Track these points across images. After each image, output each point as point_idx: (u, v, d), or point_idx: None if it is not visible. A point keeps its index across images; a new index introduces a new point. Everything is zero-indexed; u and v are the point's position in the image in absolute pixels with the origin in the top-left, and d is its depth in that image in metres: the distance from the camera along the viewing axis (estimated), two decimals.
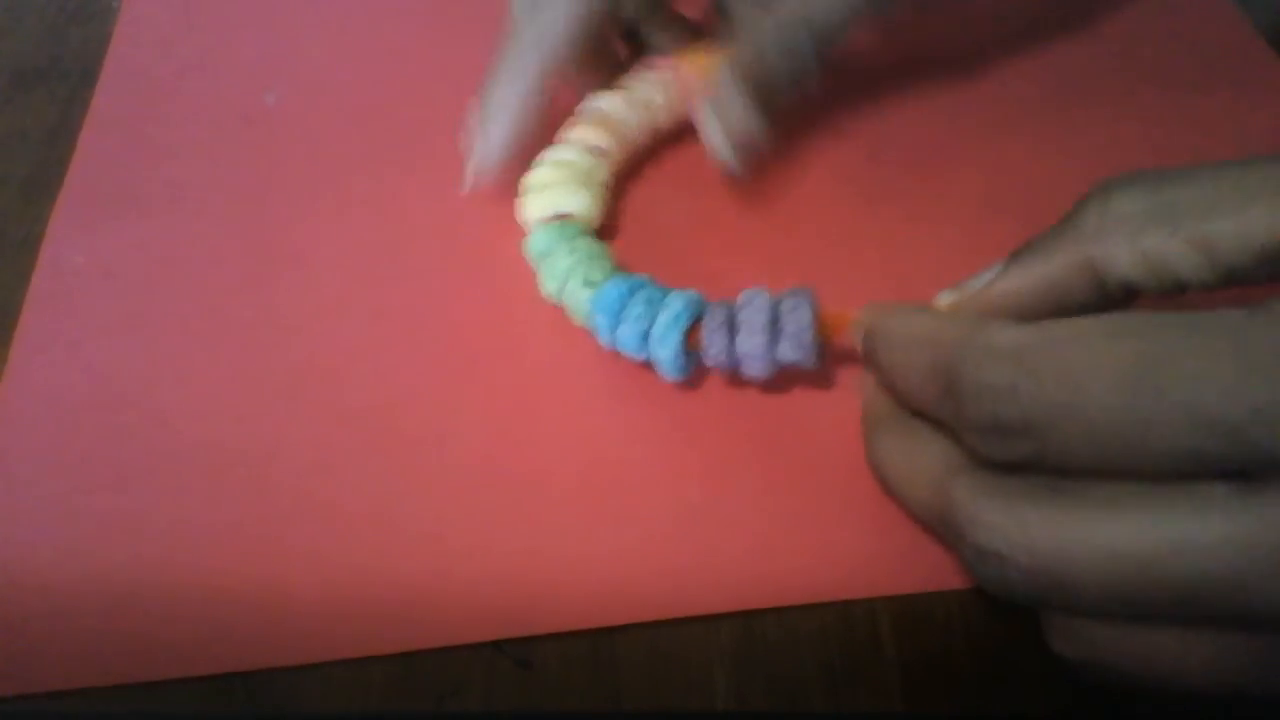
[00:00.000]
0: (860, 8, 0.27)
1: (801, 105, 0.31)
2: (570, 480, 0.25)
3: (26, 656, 0.22)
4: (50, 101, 0.34)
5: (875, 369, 0.21)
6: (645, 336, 0.25)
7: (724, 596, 0.23)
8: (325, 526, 0.24)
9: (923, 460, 0.20)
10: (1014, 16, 0.36)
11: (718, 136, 0.28)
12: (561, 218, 0.27)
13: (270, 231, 0.30)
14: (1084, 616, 0.17)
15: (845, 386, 0.26)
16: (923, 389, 0.19)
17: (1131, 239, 0.19)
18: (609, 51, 0.31)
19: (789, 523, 0.24)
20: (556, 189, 0.27)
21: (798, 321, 0.24)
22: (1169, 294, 0.20)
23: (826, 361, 0.26)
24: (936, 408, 0.19)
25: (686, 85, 0.29)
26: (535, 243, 0.27)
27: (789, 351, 0.24)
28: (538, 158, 0.28)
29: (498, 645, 0.22)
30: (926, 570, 0.23)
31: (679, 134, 0.31)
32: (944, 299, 0.23)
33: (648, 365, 0.25)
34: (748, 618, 0.23)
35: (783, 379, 0.26)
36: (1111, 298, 0.20)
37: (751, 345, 0.24)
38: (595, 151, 0.28)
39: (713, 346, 0.24)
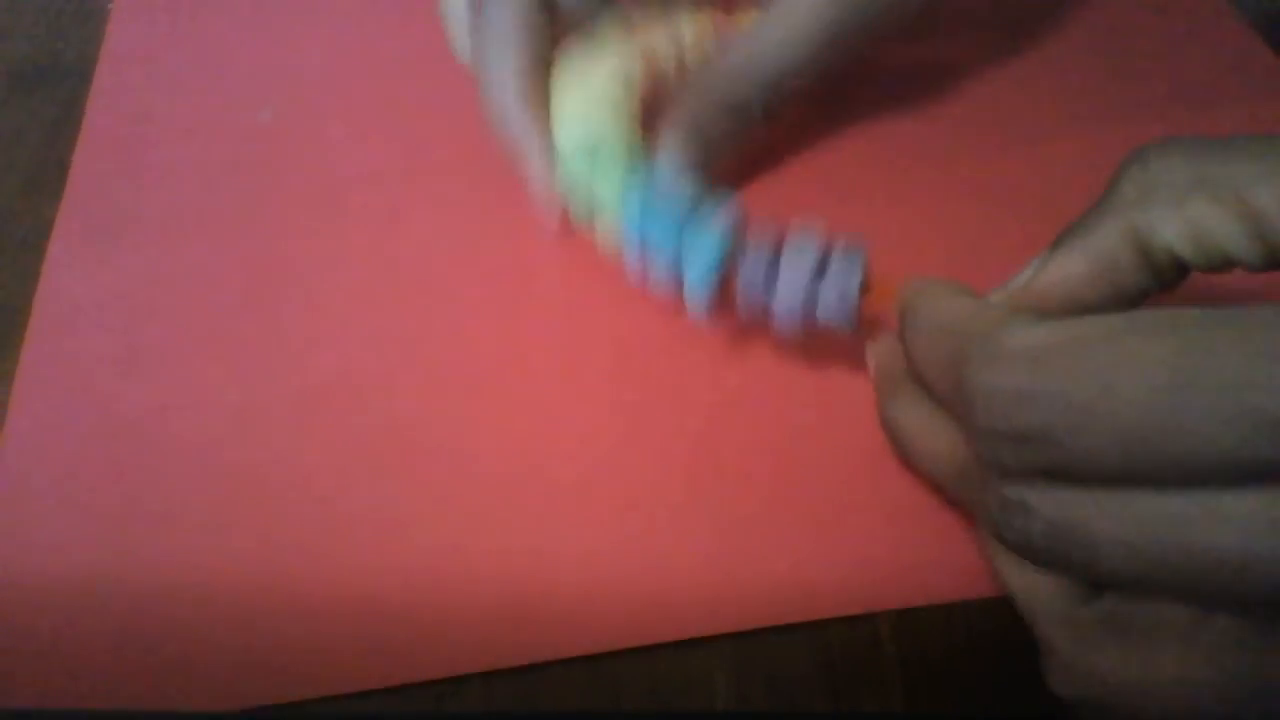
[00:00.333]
0: (815, 55, 0.26)
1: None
2: (579, 499, 0.25)
3: (31, 680, 0.22)
4: (50, 101, 0.34)
5: (906, 350, 0.20)
6: (680, 252, 0.23)
7: (734, 616, 0.23)
8: (336, 552, 0.24)
9: (943, 422, 0.19)
10: (1013, 16, 0.36)
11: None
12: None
13: (270, 251, 0.30)
14: (1100, 583, 0.17)
15: (847, 396, 0.26)
16: (938, 380, 0.18)
17: (1176, 207, 0.18)
18: None
19: (794, 535, 0.24)
20: (592, 115, 0.26)
21: (846, 281, 0.22)
22: (1216, 271, 0.19)
23: (857, 330, 0.24)
24: (951, 404, 0.18)
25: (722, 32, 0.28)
26: (569, 164, 0.26)
27: (830, 312, 0.22)
28: (568, 83, 0.27)
29: None
30: (933, 583, 0.23)
31: None
32: (995, 298, 0.21)
33: (666, 335, 0.24)
34: None
35: (781, 384, 0.26)
36: (1162, 275, 0.19)
37: (792, 295, 0.22)
38: (626, 80, 0.27)
39: (749, 291, 0.23)
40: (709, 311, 0.24)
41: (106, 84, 0.34)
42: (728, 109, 0.27)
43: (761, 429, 0.26)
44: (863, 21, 0.27)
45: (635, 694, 0.22)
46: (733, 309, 0.24)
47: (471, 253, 0.29)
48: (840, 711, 0.22)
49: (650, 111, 0.28)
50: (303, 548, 0.24)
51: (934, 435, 0.20)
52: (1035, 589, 0.18)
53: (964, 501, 0.19)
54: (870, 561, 0.23)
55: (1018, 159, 0.32)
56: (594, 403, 0.26)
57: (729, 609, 0.23)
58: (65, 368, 0.27)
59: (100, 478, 0.25)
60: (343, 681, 0.22)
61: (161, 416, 0.26)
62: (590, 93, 0.27)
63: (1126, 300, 0.19)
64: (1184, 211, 0.18)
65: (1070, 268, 0.20)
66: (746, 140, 0.27)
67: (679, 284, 0.24)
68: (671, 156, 0.26)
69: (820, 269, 0.22)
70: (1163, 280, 0.19)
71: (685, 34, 0.28)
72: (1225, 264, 0.19)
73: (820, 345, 0.27)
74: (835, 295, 0.22)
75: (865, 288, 0.22)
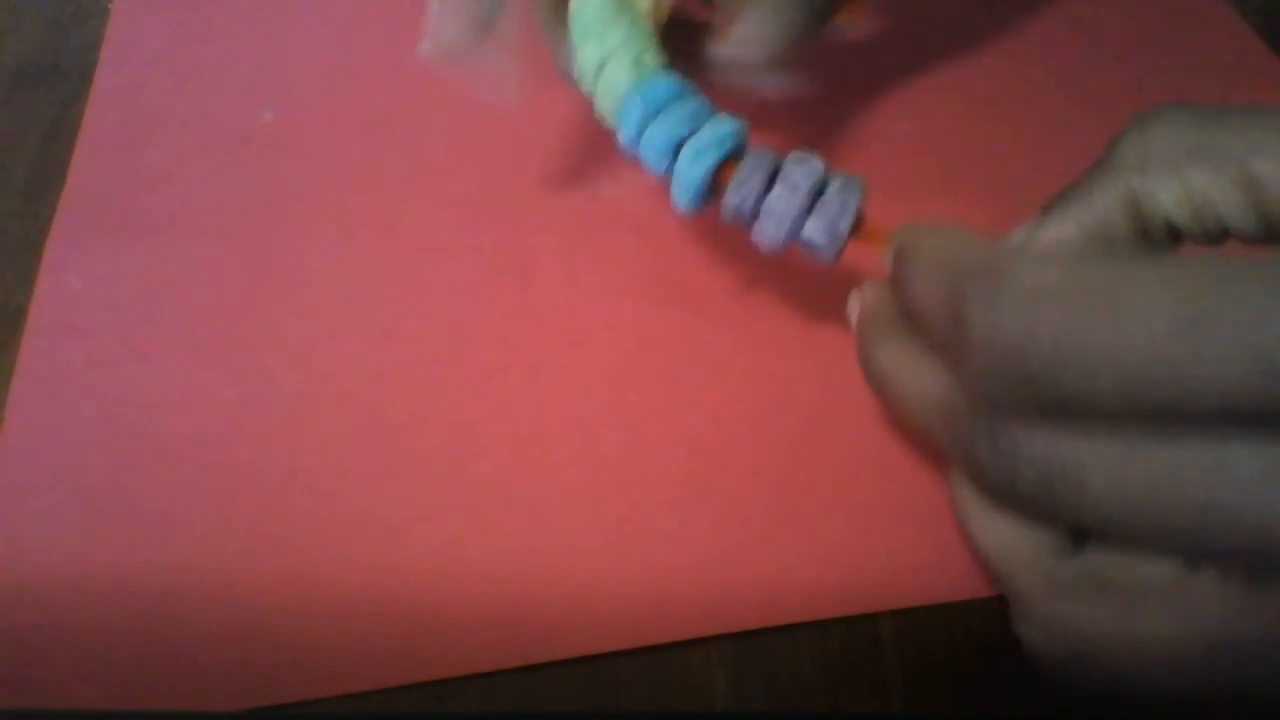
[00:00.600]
0: None
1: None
2: (579, 500, 0.25)
3: (31, 679, 0.22)
4: (50, 101, 0.34)
5: (899, 292, 0.19)
6: (676, 147, 0.22)
7: (734, 616, 0.23)
8: (336, 552, 0.24)
9: (931, 363, 0.19)
10: (1014, 17, 0.36)
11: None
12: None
13: (270, 251, 0.30)
14: (1095, 529, 0.16)
15: (847, 397, 0.26)
16: (935, 319, 0.17)
17: (1175, 173, 0.18)
18: None
19: (794, 535, 0.24)
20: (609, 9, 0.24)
21: (841, 204, 0.22)
22: (1211, 243, 0.18)
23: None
24: (947, 342, 0.17)
25: None
26: (585, 9, 0.23)
27: (817, 231, 0.22)
28: None
29: None
30: (932, 583, 0.23)
31: None
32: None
33: (655, 207, 0.23)
34: None
35: (781, 385, 0.26)
36: (1156, 243, 0.19)
37: (785, 205, 0.21)
38: None
39: (743, 188, 0.22)
40: (696, 210, 0.23)
41: (106, 84, 0.34)
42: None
43: (761, 429, 0.26)
44: None
45: (635, 694, 0.22)
46: (716, 211, 0.23)
47: (471, 253, 0.29)
48: (840, 712, 0.22)
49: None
50: (303, 548, 0.24)
51: (919, 379, 0.19)
52: (1010, 543, 0.18)
53: (948, 447, 0.19)
54: (870, 561, 0.23)
55: (1018, 158, 0.32)
56: (594, 403, 0.26)
57: (729, 609, 0.23)
58: (64, 367, 0.27)
59: (99, 477, 0.25)
60: (343, 681, 0.22)
61: (160, 416, 0.26)
62: None
63: None
64: (1183, 179, 0.18)
65: (1065, 231, 0.19)
66: (816, 35, 0.25)
67: (671, 178, 0.23)
68: (750, 36, 0.25)
69: (815, 194, 0.22)
70: (1156, 248, 0.19)
71: None
72: (1221, 234, 0.18)
73: (820, 345, 0.27)
74: (825, 222, 0.22)
75: (857, 224, 0.22)
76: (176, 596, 0.23)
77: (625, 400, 0.26)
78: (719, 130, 0.22)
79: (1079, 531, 0.17)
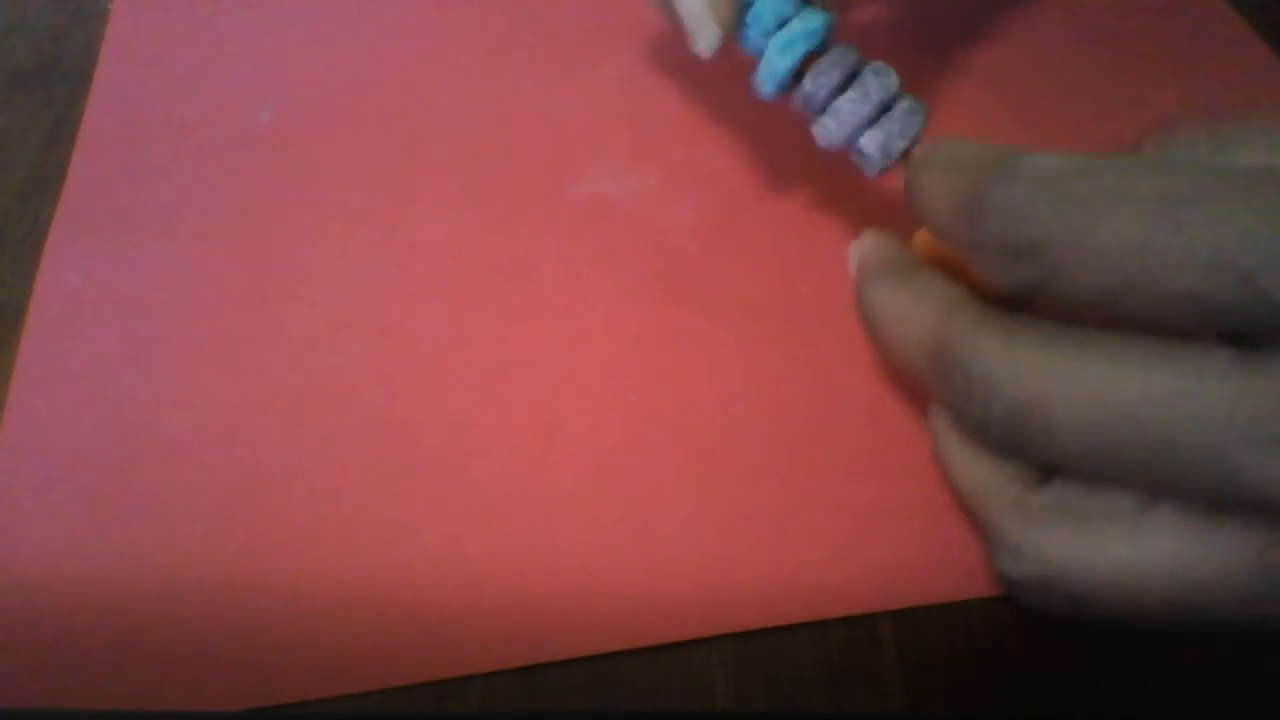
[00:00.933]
0: None
1: None
2: (579, 500, 0.25)
3: (31, 680, 0.22)
4: (50, 102, 0.34)
5: (914, 196, 0.20)
6: (779, 24, 0.23)
7: (734, 616, 0.23)
8: (336, 552, 0.24)
9: (922, 303, 0.20)
10: (1014, 17, 0.36)
11: None
12: None
13: (269, 251, 0.30)
14: (1064, 465, 0.17)
15: (848, 397, 0.26)
16: (951, 211, 0.19)
17: None
18: None
19: (794, 535, 0.24)
20: None
21: (903, 125, 0.23)
22: None
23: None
24: (959, 230, 0.18)
25: None
26: None
27: (872, 143, 0.23)
28: None
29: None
30: (932, 583, 0.23)
31: None
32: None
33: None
34: None
35: (782, 385, 0.26)
36: None
37: (851, 109, 0.23)
38: None
39: (819, 80, 0.23)
40: (776, 97, 0.24)
41: (106, 84, 0.34)
42: None
43: (761, 429, 0.26)
44: None
45: (635, 694, 0.22)
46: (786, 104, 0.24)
47: (471, 252, 0.29)
48: (840, 712, 0.22)
49: None
50: (303, 548, 0.24)
51: (909, 322, 0.20)
52: (986, 476, 0.19)
53: (931, 386, 0.20)
54: (870, 561, 0.23)
55: None
56: (594, 403, 0.26)
57: (729, 609, 0.23)
58: (64, 367, 0.27)
59: (98, 477, 0.25)
60: (343, 681, 0.22)
61: (160, 416, 0.26)
62: None
63: None
64: None
65: None
66: None
67: (751, 53, 0.24)
68: None
69: (883, 107, 0.23)
70: None
71: None
72: None
73: (821, 345, 0.27)
74: (883, 137, 0.23)
75: (910, 147, 0.23)
76: (176, 596, 0.23)
77: (625, 400, 0.26)
78: (809, 24, 0.23)
79: (1049, 467, 0.18)
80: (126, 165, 0.32)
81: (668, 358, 0.27)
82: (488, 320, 0.28)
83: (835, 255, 0.29)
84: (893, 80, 0.23)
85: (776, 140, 0.32)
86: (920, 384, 0.21)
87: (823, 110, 0.23)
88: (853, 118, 0.23)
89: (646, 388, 0.26)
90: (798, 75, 0.23)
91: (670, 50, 0.35)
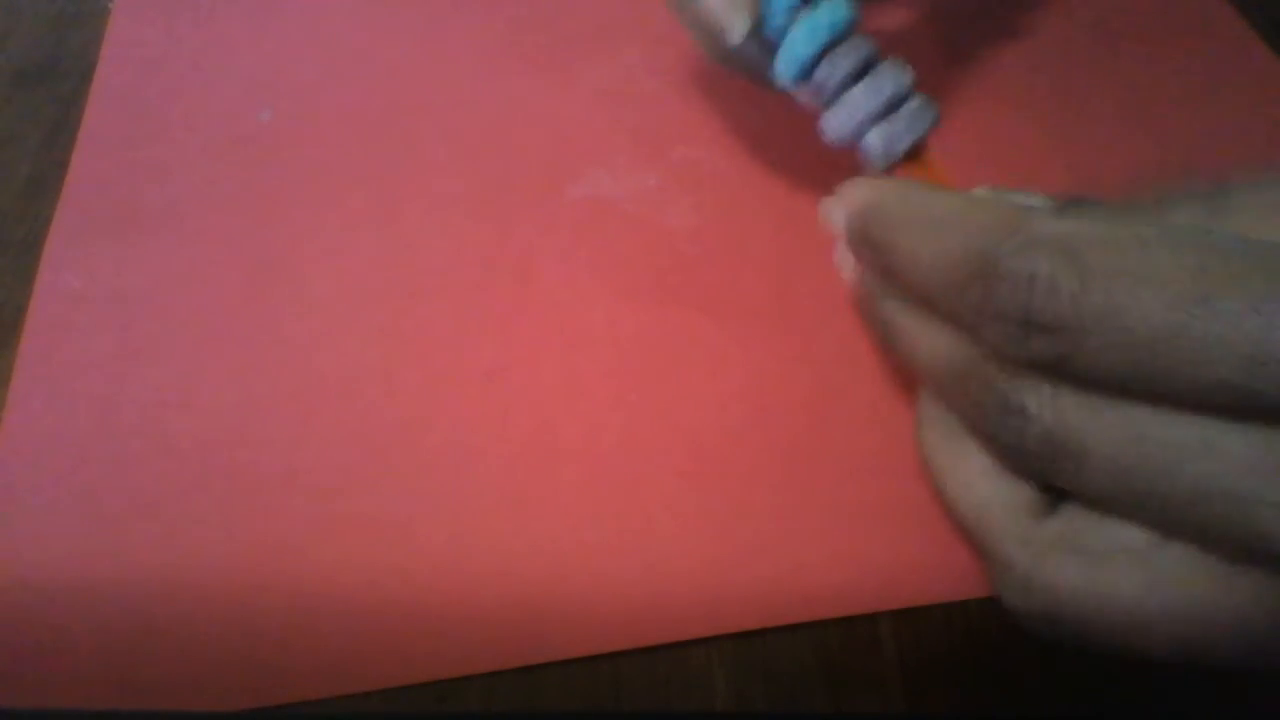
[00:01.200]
0: None
1: None
2: (579, 500, 0.25)
3: (31, 679, 0.22)
4: (50, 101, 0.34)
5: (870, 249, 0.20)
6: (791, 13, 0.23)
7: (734, 616, 0.23)
8: (336, 552, 0.24)
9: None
10: (1014, 16, 0.36)
11: None
12: None
13: (269, 251, 0.30)
14: (1086, 496, 0.17)
15: (848, 397, 0.26)
16: (944, 274, 0.18)
17: None
18: None
19: (794, 535, 0.24)
20: None
21: (909, 124, 0.22)
22: None
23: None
24: (957, 297, 0.17)
25: None
26: None
27: (876, 139, 0.22)
28: None
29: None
30: (932, 583, 0.23)
31: None
32: (980, 194, 0.21)
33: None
34: None
35: (781, 384, 0.26)
36: None
37: (860, 102, 0.22)
38: None
39: (833, 69, 0.23)
40: (796, 84, 0.23)
41: (106, 84, 0.34)
42: None
43: (761, 429, 0.26)
44: None
45: (635, 694, 0.22)
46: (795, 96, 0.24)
47: (470, 252, 0.29)
48: (840, 712, 0.22)
49: None
50: (303, 548, 0.24)
51: (931, 334, 0.19)
52: (990, 505, 0.18)
53: (959, 402, 0.19)
54: (870, 561, 0.23)
55: (1015, 154, 0.32)
56: (594, 402, 0.26)
57: (729, 609, 0.23)
58: (64, 367, 0.27)
59: (98, 477, 0.25)
60: (343, 681, 0.22)
61: (159, 416, 0.26)
62: None
63: None
64: None
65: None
66: None
67: (769, 39, 0.23)
68: None
69: (893, 104, 0.22)
70: None
71: None
72: None
73: (821, 345, 0.27)
74: (887, 135, 0.22)
75: (916, 150, 0.22)
76: (176, 596, 0.23)
77: (625, 400, 0.26)
78: (835, 12, 0.22)
79: (1059, 493, 0.18)
80: (126, 165, 0.32)
81: (667, 358, 0.27)
82: (488, 320, 0.28)
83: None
84: (906, 77, 0.23)
85: (776, 140, 0.32)
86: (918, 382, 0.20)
87: (833, 100, 0.23)
88: (861, 110, 0.22)
89: (646, 388, 0.26)
90: (815, 64, 0.23)
91: (670, 50, 0.35)
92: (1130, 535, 0.17)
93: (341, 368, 0.27)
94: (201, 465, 0.25)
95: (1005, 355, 0.17)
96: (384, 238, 0.30)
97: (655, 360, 0.27)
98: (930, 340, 0.19)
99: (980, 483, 0.19)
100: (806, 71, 0.23)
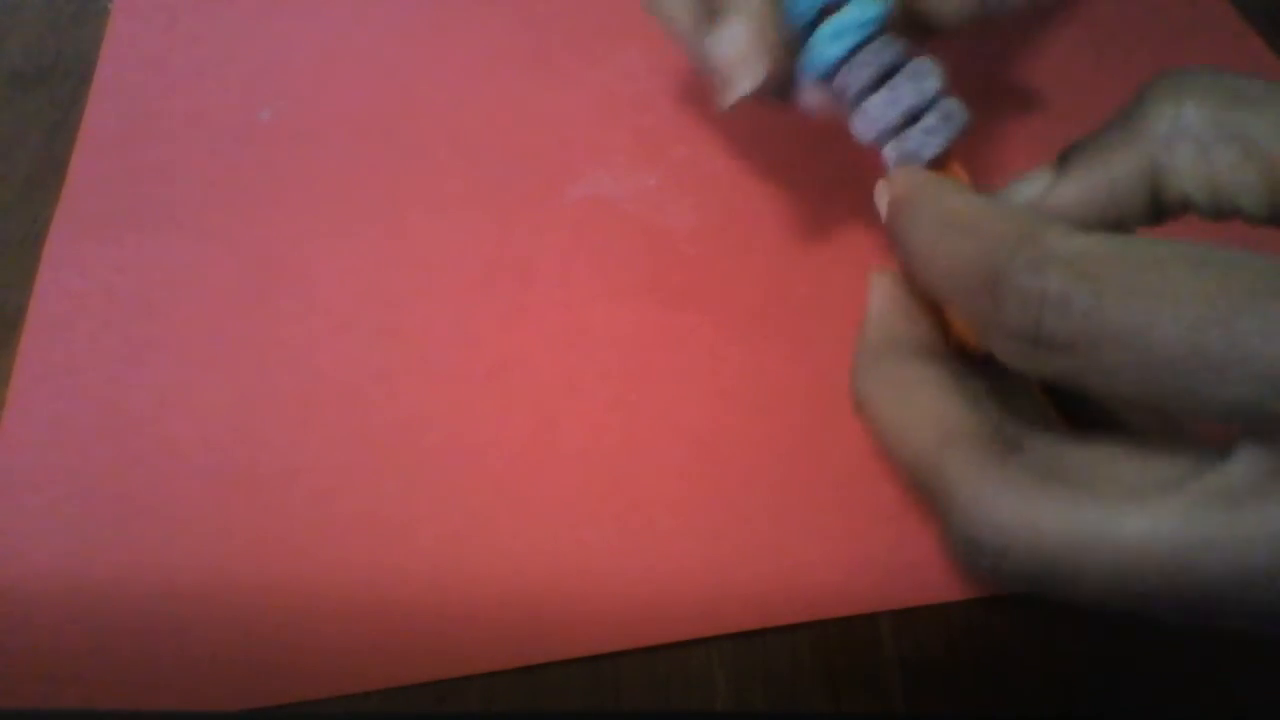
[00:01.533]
0: None
1: None
2: (579, 500, 0.25)
3: (31, 680, 0.22)
4: (50, 101, 0.34)
5: (900, 245, 0.19)
6: (819, 13, 0.22)
7: (734, 616, 0.23)
8: (336, 552, 0.24)
9: (917, 414, 0.18)
10: (1011, 16, 0.36)
11: None
12: None
13: (269, 251, 0.30)
14: (1078, 602, 0.16)
15: (847, 397, 0.26)
16: (957, 279, 0.17)
17: (1202, 153, 0.18)
18: None
19: (794, 535, 0.24)
20: None
21: (925, 139, 0.21)
22: (1219, 219, 0.19)
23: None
24: (967, 303, 0.17)
25: None
26: None
27: (893, 153, 0.22)
28: None
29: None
30: (932, 583, 0.23)
31: None
32: (1003, 197, 0.21)
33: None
34: None
35: (781, 385, 0.26)
36: (1163, 214, 0.19)
37: (878, 114, 0.22)
38: None
39: (853, 75, 0.22)
40: (821, 83, 0.23)
41: (106, 84, 0.34)
42: None
43: (761, 429, 0.26)
44: None
45: (635, 694, 0.22)
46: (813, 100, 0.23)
47: (471, 252, 0.29)
48: (840, 712, 0.22)
49: None
50: (303, 548, 0.24)
51: (902, 435, 0.18)
52: (953, 436, 0.17)
53: (925, 504, 0.18)
54: (870, 561, 0.23)
55: (1015, 154, 0.32)
56: (594, 403, 0.26)
57: (729, 609, 0.23)
58: (64, 367, 0.27)
59: (98, 477, 0.25)
60: (343, 681, 0.22)
61: (160, 415, 0.26)
62: None
63: (1117, 228, 0.19)
64: (1209, 161, 0.18)
65: (1081, 193, 0.19)
66: None
67: (799, 33, 0.23)
68: None
69: (912, 116, 0.22)
70: (1160, 218, 0.19)
71: None
72: (1232, 214, 0.18)
73: (821, 345, 0.27)
74: (904, 150, 0.22)
75: (941, 158, 0.22)
76: (176, 596, 0.23)
77: (625, 400, 0.26)
78: (864, 13, 0.22)
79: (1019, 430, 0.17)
80: (126, 165, 0.32)
81: (667, 358, 0.27)
82: (487, 320, 0.28)
83: (834, 256, 0.29)
84: (929, 84, 0.22)
85: (777, 141, 0.32)
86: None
87: (854, 105, 0.22)
88: (875, 125, 0.22)
89: (646, 387, 0.26)
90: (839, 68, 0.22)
91: (671, 50, 0.34)
92: (1127, 470, 0.16)
93: (341, 367, 0.27)
94: (201, 465, 0.25)
95: (1018, 368, 0.16)
96: (384, 237, 0.30)
97: (655, 360, 0.27)
98: (898, 439, 0.18)
99: (938, 412, 0.18)
100: (830, 76, 0.22)
